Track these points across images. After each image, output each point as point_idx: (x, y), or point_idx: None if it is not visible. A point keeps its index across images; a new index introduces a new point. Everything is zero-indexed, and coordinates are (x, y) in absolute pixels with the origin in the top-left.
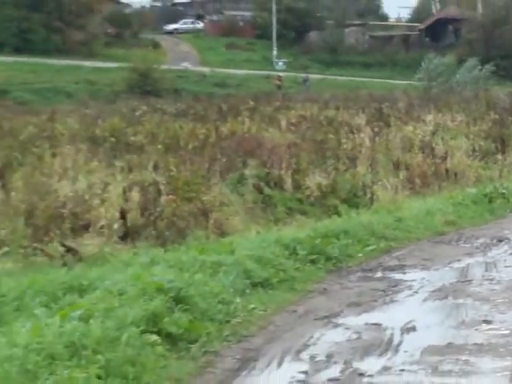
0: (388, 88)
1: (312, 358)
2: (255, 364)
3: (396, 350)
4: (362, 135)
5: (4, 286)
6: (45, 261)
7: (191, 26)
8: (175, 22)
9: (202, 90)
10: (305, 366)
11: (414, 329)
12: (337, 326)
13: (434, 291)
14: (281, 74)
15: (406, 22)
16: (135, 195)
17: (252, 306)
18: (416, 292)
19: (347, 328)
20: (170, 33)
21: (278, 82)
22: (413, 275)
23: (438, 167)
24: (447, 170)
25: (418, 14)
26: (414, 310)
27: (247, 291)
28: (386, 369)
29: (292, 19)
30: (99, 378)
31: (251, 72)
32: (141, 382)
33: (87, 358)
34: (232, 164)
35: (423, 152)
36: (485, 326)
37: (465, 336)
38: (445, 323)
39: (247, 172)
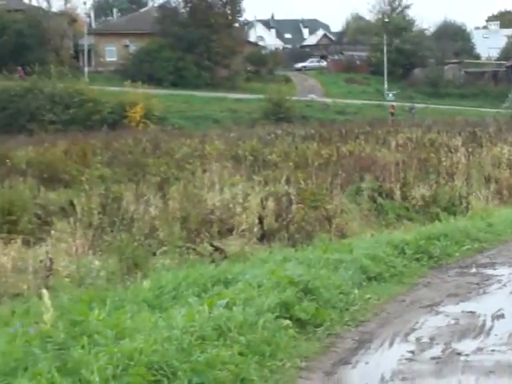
0: (480, 115)
1: (418, 339)
2: (370, 344)
3: (488, 334)
4: (458, 154)
5: (163, 279)
6: (196, 258)
7: (317, 64)
8: (303, 60)
9: (325, 117)
10: (412, 347)
11: (502, 316)
12: (438, 313)
13: None
14: (392, 103)
15: (495, 60)
16: (270, 204)
17: (367, 296)
18: (504, 285)
19: (447, 315)
20: (299, 70)
21: (392, 110)
22: (502, 271)
23: None
24: None
25: (506, 54)
26: (503, 301)
27: (363, 284)
28: (479, 349)
29: (400, 58)
30: (241, 355)
31: (366, 102)
32: (275, 359)
33: (231, 338)
34: (350, 178)
35: (510, 168)
36: None
37: None
38: None
39: (363, 185)
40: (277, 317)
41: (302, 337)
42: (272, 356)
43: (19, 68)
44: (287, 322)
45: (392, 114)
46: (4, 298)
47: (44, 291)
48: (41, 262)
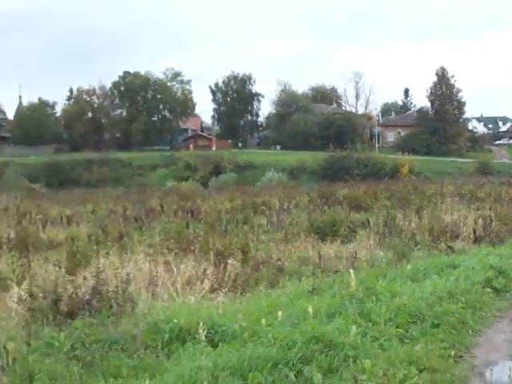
0: None
1: None
2: None
3: None
4: None
5: (418, 264)
6: (437, 252)
7: (507, 142)
8: (499, 140)
9: None
10: None
11: None
12: None
13: None
14: None
15: None
16: (480, 221)
17: None
18: None
19: None
20: (497, 145)
21: None
22: None
23: None
24: None
25: None
26: None
27: None
28: None
29: None
30: (462, 308)
31: None
32: (482, 311)
33: (457, 299)
34: None
35: None
36: None
37: None
38: None
39: None
40: (483, 287)
41: (497, 298)
42: (480, 309)
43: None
44: (488, 289)
45: None
46: (329, 272)
47: (351, 270)
48: (350, 253)
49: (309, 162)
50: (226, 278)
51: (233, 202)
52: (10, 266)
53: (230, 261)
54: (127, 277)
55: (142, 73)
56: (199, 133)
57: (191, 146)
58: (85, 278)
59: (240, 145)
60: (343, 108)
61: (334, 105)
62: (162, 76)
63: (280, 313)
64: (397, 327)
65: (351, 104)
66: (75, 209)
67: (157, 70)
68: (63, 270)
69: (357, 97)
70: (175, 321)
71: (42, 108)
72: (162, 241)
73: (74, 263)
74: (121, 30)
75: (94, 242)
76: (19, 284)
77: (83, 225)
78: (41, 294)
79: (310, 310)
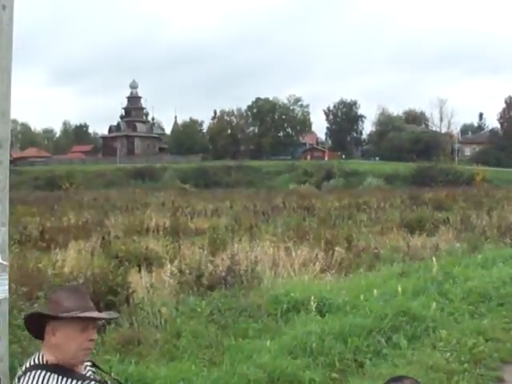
0: None
1: None
2: None
3: None
4: None
5: (487, 254)
6: (503, 245)
7: None
8: None
9: None
10: None
11: None
12: None
13: None
14: None
15: None
16: None
17: None
18: None
19: None
20: None
21: None
22: None
23: None
24: None
25: None
26: None
27: None
28: None
29: None
30: None
31: None
32: None
33: None
34: None
35: None
36: None
37: None
38: None
39: None
40: None
41: None
42: None
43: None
44: None
45: None
46: (416, 259)
47: (433, 258)
48: (433, 244)
49: (401, 170)
50: (333, 262)
51: (340, 201)
52: (164, 248)
53: (336, 248)
54: (255, 259)
55: (271, 98)
56: (315, 146)
57: (308, 157)
58: (222, 259)
59: (343, 156)
60: (430, 128)
61: (423, 125)
62: (285, 101)
63: (375, 290)
64: (468, 305)
65: (436, 125)
66: (216, 204)
67: (282, 95)
68: (206, 252)
69: (441, 119)
70: (292, 294)
71: (192, 125)
72: (284, 231)
73: (215, 247)
74: (256, 62)
75: (230, 230)
76: (171, 262)
77: (222, 217)
78: (188, 271)
79: (399, 289)
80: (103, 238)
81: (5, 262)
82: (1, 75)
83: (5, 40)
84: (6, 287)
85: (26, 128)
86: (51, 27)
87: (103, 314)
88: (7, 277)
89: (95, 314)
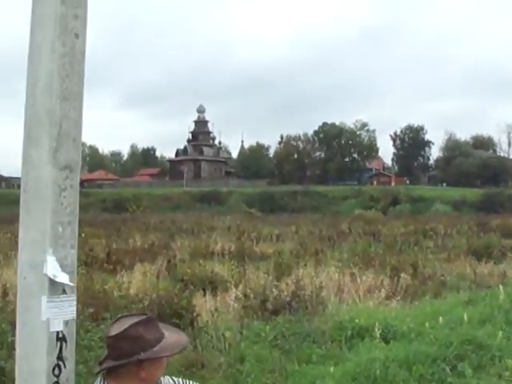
0: None
1: None
2: None
3: None
4: None
5: None
6: None
7: None
8: None
9: None
10: None
11: None
12: None
13: None
14: None
15: None
16: None
17: None
18: None
19: None
20: None
21: None
22: None
23: None
24: None
25: None
26: None
27: None
28: None
29: None
30: None
31: None
32: None
33: None
34: None
35: None
36: None
37: None
38: None
39: None
40: None
41: None
42: None
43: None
44: None
45: None
46: (483, 287)
47: (500, 286)
48: (500, 271)
49: (469, 196)
50: (398, 289)
51: (406, 227)
52: (230, 272)
53: (402, 274)
54: (320, 284)
55: (337, 123)
56: (381, 171)
57: (374, 182)
58: (287, 284)
59: (410, 181)
60: (498, 153)
61: (490, 151)
62: (352, 126)
63: (441, 318)
64: None
65: (504, 150)
66: (282, 229)
67: (348, 121)
68: (270, 277)
69: (509, 144)
70: (356, 321)
71: (259, 150)
72: (349, 257)
73: (280, 272)
74: (323, 86)
75: (295, 255)
76: (236, 286)
77: (288, 242)
78: (252, 295)
79: (465, 317)
80: (169, 261)
81: (73, 284)
82: (73, 103)
83: (78, 68)
84: (74, 308)
85: (94, 150)
86: (122, 53)
87: (185, 340)
88: (75, 298)
89: (184, 342)
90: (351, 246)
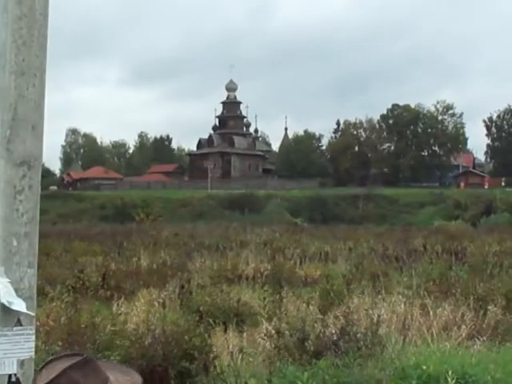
0: None
1: None
2: None
3: None
4: None
5: None
6: None
7: None
8: None
9: None
10: None
11: None
12: None
13: None
14: None
15: None
16: None
17: None
18: None
19: None
20: None
21: None
22: None
23: None
24: None
25: None
26: None
27: None
28: None
29: None
30: None
31: None
32: None
33: None
34: None
35: None
36: None
37: None
38: None
39: None
40: None
41: None
42: None
43: None
44: None
45: None
46: None
47: None
48: None
49: None
50: (484, 325)
51: (502, 244)
52: (261, 301)
53: (491, 307)
54: (379, 318)
55: (412, 105)
56: (471, 170)
57: (462, 184)
58: (335, 318)
59: (505, 183)
60: None
61: None
62: (432, 109)
63: None
64: None
65: None
66: (335, 245)
67: (427, 102)
68: (314, 308)
69: None
70: (424, 367)
71: (307, 140)
72: (421, 282)
73: (327, 301)
74: (394, 62)
75: (349, 280)
76: (269, 320)
77: (341, 262)
78: (288, 332)
79: None
80: (182, 287)
81: (31, 313)
82: (32, 79)
83: (38, 34)
84: (32, 344)
85: (90, 141)
86: (129, 12)
87: (139, 383)
88: (33, 331)
89: None
90: (425, 268)
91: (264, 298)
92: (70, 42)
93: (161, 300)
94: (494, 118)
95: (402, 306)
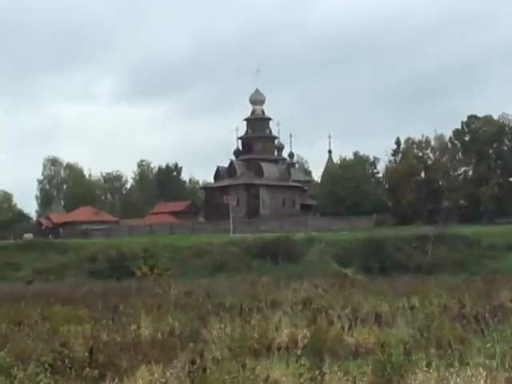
0: None
1: None
2: None
3: None
4: None
5: None
6: None
7: None
8: None
9: None
10: None
11: None
12: None
13: None
14: None
15: None
16: None
17: None
18: None
19: None
20: None
21: None
22: None
23: None
24: None
25: None
26: None
27: None
28: None
29: None
30: None
31: None
32: None
33: None
34: None
35: None
36: None
37: None
38: None
39: None
40: None
41: None
42: None
43: None
44: None
45: None
46: None
47: None
48: None
49: None
50: None
51: None
52: (297, 379)
53: None
54: None
55: (495, 117)
56: None
57: None
58: None
59: None
60: None
61: None
62: None
63: None
64: None
65: None
66: (396, 303)
67: None
68: None
69: None
70: None
71: (358, 166)
72: (509, 351)
73: (384, 377)
74: (469, 59)
75: (411, 349)
76: None
77: (402, 325)
78: None
79: None
80: (193, 362)
81: None
82: None
83: None
84: None
85: (75, 173)
86: (128, 10)
87: None
88: None
89: None
90: None
91: (300, 375)
92: (51, 48)
93: (164, 380)
94: None
95: (482, 382)
